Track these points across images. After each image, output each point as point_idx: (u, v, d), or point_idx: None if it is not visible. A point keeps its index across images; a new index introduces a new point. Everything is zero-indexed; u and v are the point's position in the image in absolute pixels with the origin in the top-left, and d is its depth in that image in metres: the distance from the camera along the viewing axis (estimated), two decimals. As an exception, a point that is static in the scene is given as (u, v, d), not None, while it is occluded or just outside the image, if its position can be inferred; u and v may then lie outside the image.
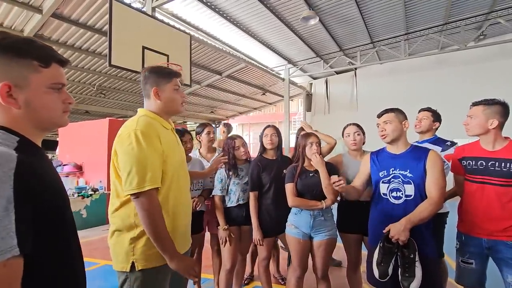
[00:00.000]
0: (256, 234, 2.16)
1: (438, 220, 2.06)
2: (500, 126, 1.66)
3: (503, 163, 1.61)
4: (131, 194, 1.15)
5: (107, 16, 3.55)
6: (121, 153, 1.20)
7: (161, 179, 1.22)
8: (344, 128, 2.25)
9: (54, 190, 0.70)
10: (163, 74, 1.36)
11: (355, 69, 9.96)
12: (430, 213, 1.54)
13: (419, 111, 2.45)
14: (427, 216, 1.54)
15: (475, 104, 1.73)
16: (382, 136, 1.73)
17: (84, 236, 4.65)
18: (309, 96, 11.45)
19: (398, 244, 1.52)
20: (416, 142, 2.35)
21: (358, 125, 2.22)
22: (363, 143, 2.23)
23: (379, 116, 1.76)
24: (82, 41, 5.79)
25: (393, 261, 1.55)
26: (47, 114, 0.73)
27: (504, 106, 1.66)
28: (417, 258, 1.51)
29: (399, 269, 1.53)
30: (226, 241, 2.19)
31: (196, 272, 1.26)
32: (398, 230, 1.49)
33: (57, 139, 7.82)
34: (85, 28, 5.34)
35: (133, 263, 1.19)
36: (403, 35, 7.72)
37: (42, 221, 0.64)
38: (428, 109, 2.41)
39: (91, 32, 5.46)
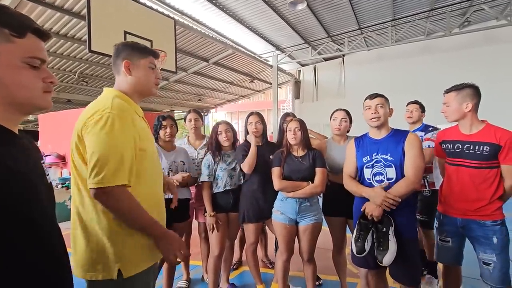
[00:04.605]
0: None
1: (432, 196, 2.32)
2: (475, 108, 1.71)
3: (476, 146, 1.67)
4: (94, 189, 0.97)
5: (85, -2, 3.37)
6: (90, 139, 1.01)
7: (134, 175, 1.05)
8: (333, 112, 2.28)
9: (24, 183, 0.61)
10: (138, 49, 1.20)
11: (343, 56, 9.95)
12: (405, 191, 1.60)
13: (408, 104, 2.65)
14: (403, 193, 1.60)
15: (446, 91, 1.79)
16: (375, 118, 1.71)
17: (69, 227, 4.57)
18: (297, 84, 11.41)
19: (373, 220, 1.60)
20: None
21: (347, 112, 2.25)
22: (348, 131, 2.26)
23: (372, 97, 1.75)
24: (60, 26, 5.50)
25: (369, 237, 1.63)
26: (24, 93, 0.64)
27: (473, 88, 1.71)
28: (390, 232, 1.59)
29: (375, 243, 1.61)
30: (213, 227, 2.21)
31: (182, 256, 1.14)
32: (372, 207, 1.59)
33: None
34: (62, 12, 5.05)
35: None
36: (390, 21, 7.72)
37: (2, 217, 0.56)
38: (416, 102, 2.64)
39: (68, 16, 5.17)
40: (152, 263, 1.16)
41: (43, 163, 0.75)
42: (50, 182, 0.75)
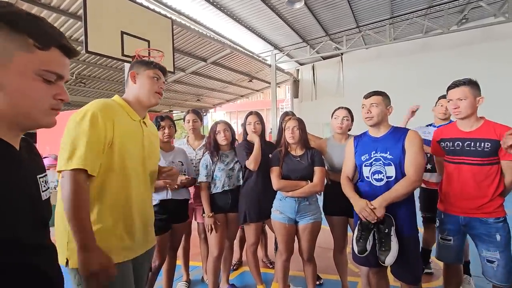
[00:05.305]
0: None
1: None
2: None
3: (478, 143, 1.65)
4: (59, 172, 1.04)
5: (81, -1, 3.35)
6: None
7: (99, 167, 1.09)
8: (335, 110, 2.25)
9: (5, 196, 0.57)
10: (145, 62, 1.36)
11: (341, 54, 9.94)
12: (406, 190, 1.60)
13: (441, 98, 2.44)
14: (403, 193, 1.60)
15: (454, 86, 1.73)
16: (367, 118, 1.72)
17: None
18: (296, 83, 11.40)
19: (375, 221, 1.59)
20: (432, 125, 2.51)
21: (349, 111, 2.22)
22: (349, 129, 2.24)
23: (367, 97, 1.74)
24: (57, 27, 5.47)
25: (370, 237, 1.62)
26: (27, 102, 0.59)
27: (476, 83, 1.70)
28: (392, 233, 1.58)
29: (377, 244, 1.60)
30: (211, 228, 2.19)
31: (104, 278, 1.00)
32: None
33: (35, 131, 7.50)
34: (58, 12, 5.03)
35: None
36: (388, 19, 7.72)
37: None
38: None
39: (65, 16, 5.14)
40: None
41: (44, 176, 0.71)
42: (48, 198, 0.72)
